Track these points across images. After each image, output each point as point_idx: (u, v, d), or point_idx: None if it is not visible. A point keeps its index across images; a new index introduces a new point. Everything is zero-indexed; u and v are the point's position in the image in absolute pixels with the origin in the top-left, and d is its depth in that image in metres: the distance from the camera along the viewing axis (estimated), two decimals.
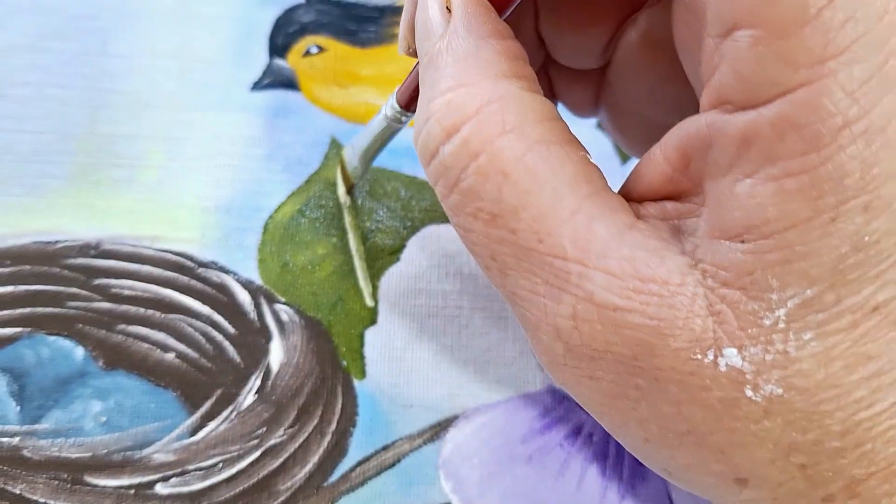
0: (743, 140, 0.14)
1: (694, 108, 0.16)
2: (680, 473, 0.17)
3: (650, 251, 0.15)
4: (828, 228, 0.14)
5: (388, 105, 0.23)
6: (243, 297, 0.26)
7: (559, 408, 0.25)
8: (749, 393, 0.15)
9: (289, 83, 0.30)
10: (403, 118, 0.22)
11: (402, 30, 0.20)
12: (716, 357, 0.15)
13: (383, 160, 0.28)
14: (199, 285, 0.26)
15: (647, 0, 0.20)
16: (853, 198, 0.13)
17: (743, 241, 0.14)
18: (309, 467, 0.24)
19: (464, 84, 0.16)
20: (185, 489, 0.23)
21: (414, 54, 0.20)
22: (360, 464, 0.24)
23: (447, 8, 0.17)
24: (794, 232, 0.14)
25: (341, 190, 0.27)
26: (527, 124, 0.16)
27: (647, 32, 0.20)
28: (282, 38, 0.30)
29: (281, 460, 0.24)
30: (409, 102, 0.22)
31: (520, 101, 0.16)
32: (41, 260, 0.26)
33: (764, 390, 0.15)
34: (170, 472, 0.23)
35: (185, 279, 0.26)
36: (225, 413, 0.24)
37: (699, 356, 0.15)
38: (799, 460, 0.15)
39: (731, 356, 0.15)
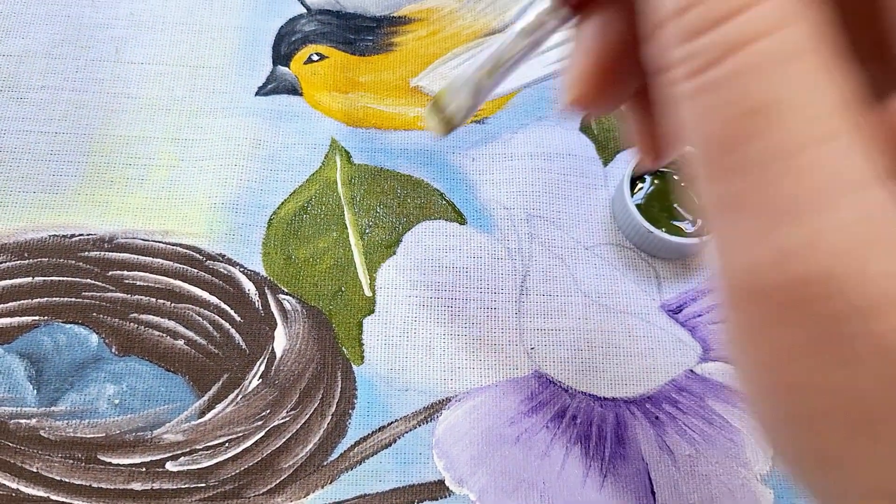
0: None
1: None
2: (831, 472, 0.14)
3: None
4: None
5: (539, 4, 0.18)
6: (249, 287, 0.27)
7: (545, 392, 0.26)
8: None
9: (292, 89, 0.31)
10: (559, 20, 0.18)
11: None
12: None
13: (381, 160, 0.29)
14: (207, 276, 0.27)
15: None
16: None
17: None
18: (310, 447, 0.25)
19: None
20: (194, 467, 0.25)
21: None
22: (358, 443, 0.25)
23: None
24: None
25: (439, 128, 0.21)
26: (804, 25, 0.14)
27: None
28: (285, 47, 0.32)
29: (284, 440, 0.25)
30: None
31: (803, 3, 0.14)
32: (58, 253, 0.27)
33: None
34: (179, 451, 0.25)
35: (194, 271, 0.27)
36: (231, 396, 0.26)
37: None
38: None
39: None
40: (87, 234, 0.28)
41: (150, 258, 0.27)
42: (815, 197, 0.13)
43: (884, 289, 0.12)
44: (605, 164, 0.30)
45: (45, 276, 0.27)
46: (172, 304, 0.27)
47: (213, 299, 0.27)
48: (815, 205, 0.13)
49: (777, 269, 0.13)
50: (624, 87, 0.17)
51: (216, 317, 0.27)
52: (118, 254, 0.27)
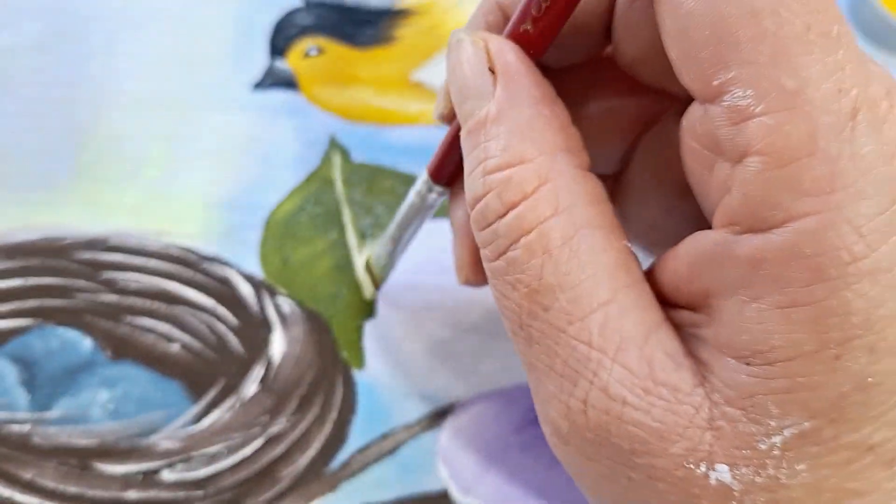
0: (751, 263, 0.14)
1: (704, 222, 0.16)
2: None
3: (668, 355, 0.16)
4: (832, 364, 0.14)
5: (419, 182, 0.22)
6: (246, 289, 0.27)
7: None
8: None
9: (289, 84, 0.30)
10: (435, 195, 0.22)
11: (440, 94, 0.20)
12: (708, 469, 0.15)
13: (381, 159, 0.29)
14: (202, 278, 0.27)
15: (663, 116, 0.20)
16: (858, 337, 0.13)
17: (748, 364, 0.14)
18: (310, 454, 0.25)
19: (522, 160, 0.16)
20: (190, 475, 0.24)
21: (447, 120, 0.20)
22: (359, 451, 0.25)
23: (490, 70, 0.17)
24: (798, 363, 0.14)
25: (368, 291, 0.27)
26: (577, 206, 0.16)
27: (660, 147, 0.20)
28: (282, 40, 0.31)
29: (283, 448, 0.25)
30: (442, 174, 0.21)
31: (573, 181, 0.17)
32: (50, 254, 0.27)
33: None
34: (175, 459, 0.24)
35: (189, 272, 0.27)
36: (228, 402, 0.25)
37: (692, 465, 0.15)
38: None
39: (723, 472, 0.15)
40: (80, 235, 0.27)
41: (144, 259, 0.27)
42: (584, 365, 0.16)
43: (653, 429, 0.15)
44: None
45: (36, 278, 0.26)
46: (167, 307, 0.26)
47: (209, 302, 0.26)
48: (585, 372, 0.16)
49: (568, 422, 0.16)
50: None
51: (212, 320, 0.26)
52: (111, 254, 0.27)
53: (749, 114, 0.14)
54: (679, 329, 0.16)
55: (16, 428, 0.24)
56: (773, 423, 0.14)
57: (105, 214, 0.28)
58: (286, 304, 0.27)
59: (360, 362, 0.26)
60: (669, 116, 0.20)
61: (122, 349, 0.25)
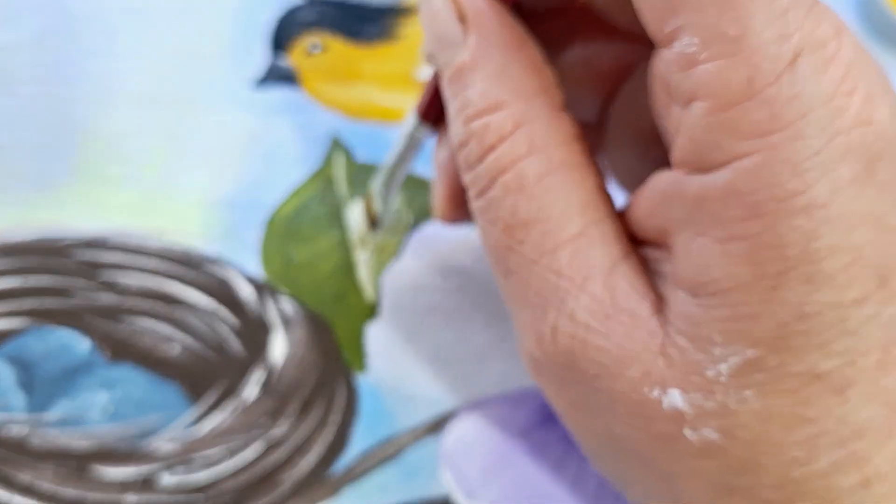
0: (696, 201, 0.15)
1: None
2: (629, 488, 0.19)
3: (631, 285, 0.17)
4: (770, 294, 0.14)
5: (408, 122, 0.23)
6: (247, 290, 0.26)
7: None
8: (687, 432, 0.16)
9: (291, 81, 0.30)
10: (424, 133, 0.23)
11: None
12: (661, 394, 0.16)
13: (384, 158, 0.28)
14: (203, 279, 0.26)
15: (640, 63, 0.21)
16: (794, 268, 0.14)
17: (695, 295, 0.15)
18: (311, 458, 0.24)
19: (499, 106, 0.17)
20: (190, 478, 0.24)
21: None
22: (361, 456, 0.24)
23: (461, 17, 0.18)
24: (737, 294, 0.15)
25: (360, 224, 0.27)
26: (551, 146, 0.17)
27: (635, 95, 0.21)
28: (284, 37, 0.31)
29: (284, 451, 0.24)
30: (429, 113, 0.22)
31: (547, 122, 0.17)
32: (48, 253, 0.26)
33: (701, 433, 0.16)
34: (175, 462, 0.24)
35: (189, 273, 0.26)
36: (229, 404, 0.25)
37: (647, 389, 0.16)
38: (733, 502, 0.16)
39: (674, 396, 0.16)
40: (79, 234, 0.27)
41: (144, 259, 0.26)
42: (556, 290, 0.17)
43: (613, 354, 0.16)
44: None
45: (34, 278, 0.26)
46: (167, 308, 0.26)
47: (210, 302, 0.26)
48: (554, 300, 0.17)
49: (540, 349, 0.17)
50: None
51: (213, 321, 0.26)
52: (110, 254, 0.27)
53: (695, 60, 0.14)
54: (645, 265, 0.17)
55: (13, 430, 0.24)
56: (717, 352, 0.15)
57: (104, 213, 0.27)
58: (288, 305, 0.26)
59: (363, 365, 0.26)
60: (644, 64, 0.20)
61: (122, 350, 0.25)
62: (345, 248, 0.27)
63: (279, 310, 0.26)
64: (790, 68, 0.14)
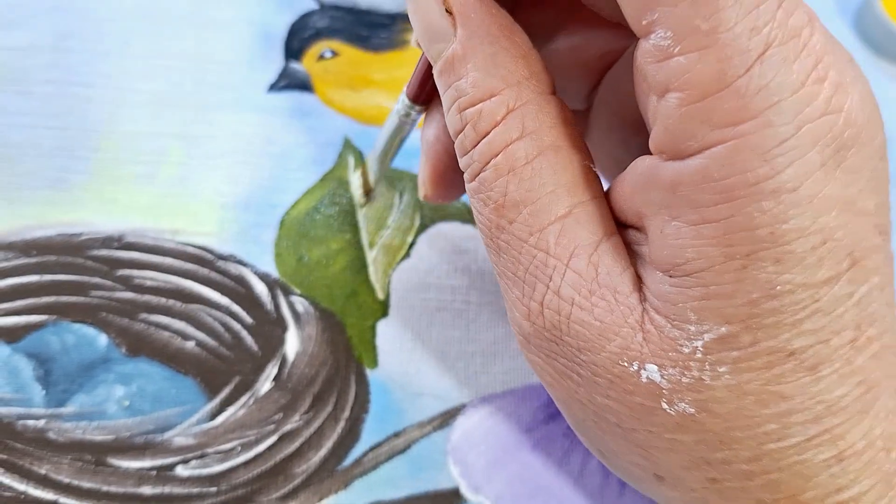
0: (671, 186, 0.16)
1: None
2: (612, 458, 0.19)
3: (614, 262, 0.17)
4: (740, 274, 0.15)
5: (400, 102, 0.24)
6: (260, 288, 0.27)
7: None
8: (664, 406, 0.16)
9: (304, 86, 0.31)
10: (414, 113, 0.24)
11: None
12: (639, 368, 0.16)
13: (395, 161, 0.29)
14: (218, 277, 0.27)
15: (624, 52, 0.21)
16: (764, 249, 0.15)
17: (670, 276, 0.16)
18: (323, 452, 0.25)
19: (491, 94, 0.18)
20: (205, 471, 0.24)
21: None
22: (372, 449, 0.25)
23: (448, 11, 0.18)
24: (709, 273, 0.15)
25: (358, 193, 0.29)
26: (542, 129, 0.18)
27: (619, 83, 0.22)
28: (297, 43, 0.31)
29: (296, 445, 0.25)
30: (419, 96, 0.23)
31: (537, 107, 0.18)
32: (66, 251, 0.27)
33: (678, 407, 0.16)
34: (190, 455, 0.24)
35: (204, 271, 0.27)
36: (243, 399, 0.25)
37: (625, 363, 0.17)
38: (710, 474, 0.17)
39: (652, 371, 0.16)
40: (96, 232, 0.27)
41: (160, 257, 0.27)
42: (544, 268, 0.17)
43: (595, 328, 0.17)
44: None
45: (52, 275, 0.26)
46: (183, 305, 0.26)
47: (225, 300, 0.27)
48: (543, 274, 0.17)
49: (529, 322, 0.18)
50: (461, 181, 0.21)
51: (227, 318, 0.26)
52: (127, 252, 0.27)
53: (669, 53, 0.15)
54: (628, 247, 0.18)
55: (31, 423, 0.24)
56: (692, 329, 0.16)
57: (121, 213, 0.28)
58: (300, 304, 0.27)
59: (374, 361, 0.26)
60: (629, 53, 0.21)
61: (138, 346, 0.26)
62: (356, 247, 0.28)
63: (292, 307, 0.27)
64: (760, 60, 0.14)
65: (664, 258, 0.16)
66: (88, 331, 0.26)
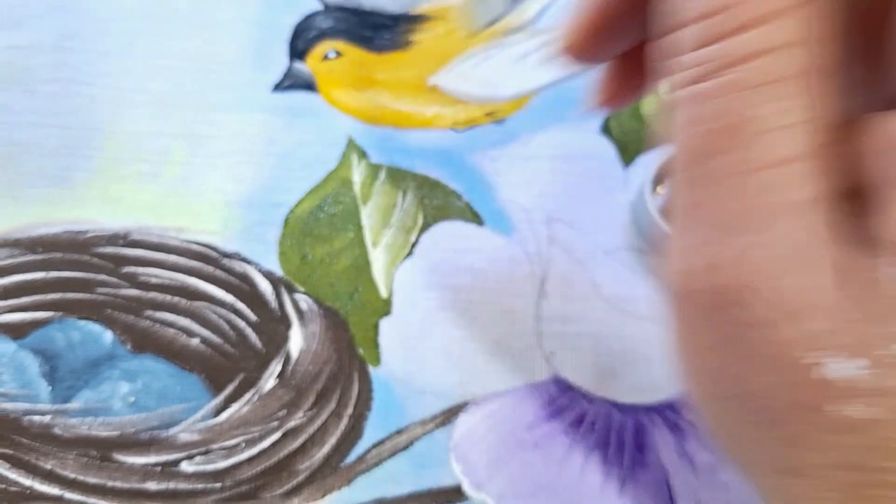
0: None
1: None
2: (740, 447, 0.17)
3: (824, 232, 0.14)
4: None
5: None
6: (265, 286, 0.27)
7: (563, 398, 0.26)
8: (839, 406, 0.14)
9: (308, 85, 0.31)
10: None
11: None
12: (823, 361, 0.14)
13: (398, 161, 0.29)
14: (222, 275, 0.27)
15: None
16: None
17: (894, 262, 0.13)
18: (326, 448, 0.25)
19: None
20: (209, 467, 0.24)
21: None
22: (375, 446, 0.25)
23: None
24: None
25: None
26: (818, 43, 0.14)
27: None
28: (301, 43, 0.32)
29: (300, 441, 0.25)
30: None
31: (824, 11, 0.14)
32: (72, 248, 0.27)
33: (854, 408, 0.14)
34: (194, 451, 0.25)
35: (209, 268, 0.27)
36: (247, 396, 0.25)
37: (802, 352, 0.14)
38: (859, 478, 0.14)
39: (837, 366, 0.14)
40: (101, 230, 0.27)
41: (165, 255, 0.27)
42: (753, 215, 0.14)
43: (786, 304, 0.14)
44: (626, 166, 0.30)
45: (58, 272, 0.27)
46: (187, 302, 0.27)
47: (229, 298, 0.27)
48: (752, 223, 0.14)
49: (706, 277, 0.15)
50: (617, 43, 0.18)
51: (232, 315, 0.27)
52: (132, 250, 0.27)
53: None
54: (849, 214, 0.15)
55: (37, 419, 0.25)
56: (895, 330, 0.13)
57: (125, 212, 0.28)
58: (304, 301, 0.27)
59: (376, 359, 0.26)
60: None
61: (143, 343, 0.26)
62: (359, 246, 0.28)
63: (296, 305, 0.27)
64: None
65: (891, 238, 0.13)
66: (94, 327, 0.26)
